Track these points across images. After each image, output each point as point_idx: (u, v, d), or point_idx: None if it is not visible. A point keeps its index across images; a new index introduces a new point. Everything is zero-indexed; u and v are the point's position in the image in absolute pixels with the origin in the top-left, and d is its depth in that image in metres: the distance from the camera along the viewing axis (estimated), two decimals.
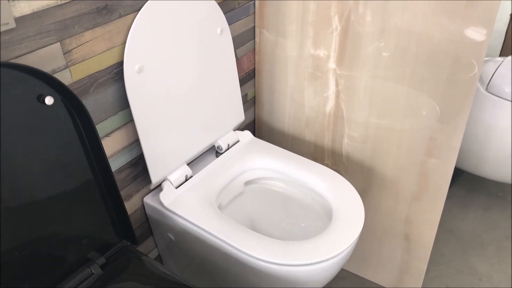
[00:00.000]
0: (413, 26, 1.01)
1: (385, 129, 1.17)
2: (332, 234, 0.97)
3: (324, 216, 1.13)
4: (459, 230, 1.63)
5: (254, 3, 1.23)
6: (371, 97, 1.15)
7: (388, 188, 1.25)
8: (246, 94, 1.35)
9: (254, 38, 1.28)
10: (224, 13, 1.14)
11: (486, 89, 1.52)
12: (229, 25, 1.17)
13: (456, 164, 1.68)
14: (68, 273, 0.85)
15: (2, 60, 0.71)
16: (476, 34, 0.95)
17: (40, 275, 0.81)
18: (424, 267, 1.31)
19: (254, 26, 1.27)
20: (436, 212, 1.20)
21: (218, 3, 1.11)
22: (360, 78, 1.15)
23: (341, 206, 1.04)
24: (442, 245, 1.58)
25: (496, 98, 1.49)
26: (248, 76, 1.32)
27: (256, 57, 1.32)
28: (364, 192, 1.31)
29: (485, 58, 1.69)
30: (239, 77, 1.29)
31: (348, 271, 1.48)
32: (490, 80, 1.54)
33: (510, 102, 1.47)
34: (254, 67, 1.33)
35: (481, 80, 1.55)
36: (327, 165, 1.34)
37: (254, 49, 1.30)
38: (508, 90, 1.48)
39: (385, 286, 1.42)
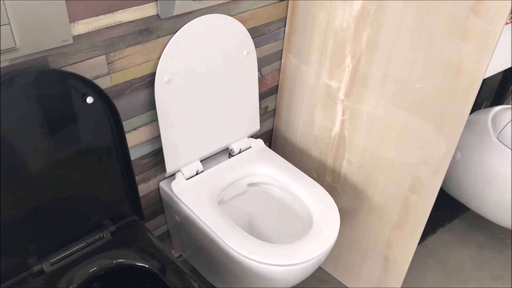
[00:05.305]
0: (410, 78, 1.14)
1: (378, 161, 1.31)
2: (305, 243, 1.13)
3: (308, 223, 1.29)
4: (448, 261, 1.74)
5: (284, 30, 1.39)
6: (370, 130, 1.29)
7: (375, 212, 1.39)
8: (267, 106, 1.52)
9: (281, 59, 1.45)
10: (254, 37, 1.31)
11: (497, 137, 1.60)
12: (258, 47, 1.35)
13: (460, 200, 1.77)
14: (85, 233, 1.09)
15: (58, 67, 0.94)
16: (462, 94, 1.07)
17: (64, 232, 1.05)
18: None
19: (282, 50, 1.43)
20: (413, 242, 1.33)
21: (249, 29, 1.28)
22: (362, 112, 1.28)
23: (320, 219, 1.20)
24: (428, 271, 1.69)
25: (504, 147, 1.57)
26: (271, 91, 1.49)
27: (280, 75, 1.48)
28: (355, 211, 1.45)
29: (509, 106, 1.76)
30: (262, 92, 1.46)
31: (334, 277, 1.64)
32: (502, 129, 1.61)
33: None
34: (278, 84, 1.50)
35: (494, 126, 1.63)
36: (327, 181, 1.50)
37: (280, 68, 1.46)
38: None
39: None
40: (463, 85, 1.05)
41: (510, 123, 1.60)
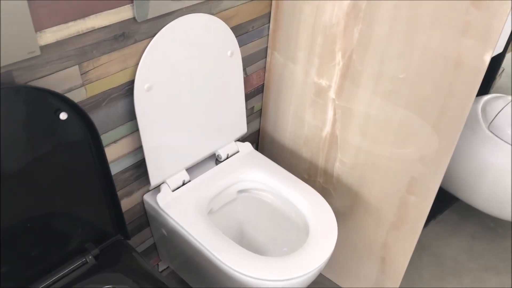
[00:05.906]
0: (407, 75, 1.08)
1: (373, 161, 1.25)
2: (302, 255, 1.07)
3: (303, 231, 1.23)
4: (442, 255, 1.71)
5: (268, 27, 1.31)
6: (364, 130, 1.23)
7: (370, 213, 1.34)
8: (253, 107, 1.44)
9: (266, 57, 1.37)
10: (238, 35, 1.22)
11: (488, 128, 1.56)
12: (242, 45, 1.26)
13: (451, 191, 1.74)
14: (67, 259, 1.00)
15: (26, 81, 0.84)
16: (462, 91, 1.01)
17: (42, 259, 0.96)
18: None
19: (267, 47, 1.35)
20: (411, 242, 1.29)
21: (233, 27, 1.20)
22: (355, 111, 1.22)
23: (316, 227, 1.14)
24: (423, 267, 1.66)
25: (496, 138, 1.53)
26: (257, 91, 1.42)
27: (266, 74, 1.40)
28: (349, 212, 1.40)
29: (498, 94, 1.72)
30: (247, 92, 1.38)
31: (329, 279, 1.59)
32: (493, 119, 1.57)
33: (510, 145, 1.50)
34: (263, 83, 1.42)
35: (484, 116, 1.59)
36: (319, 183, 1.44)
37: (265, 67, 1.39)
38: (509, 132, 1.52)
39: None
40: (463, 81, 1.00)
41: (502, 110, 1.56)
